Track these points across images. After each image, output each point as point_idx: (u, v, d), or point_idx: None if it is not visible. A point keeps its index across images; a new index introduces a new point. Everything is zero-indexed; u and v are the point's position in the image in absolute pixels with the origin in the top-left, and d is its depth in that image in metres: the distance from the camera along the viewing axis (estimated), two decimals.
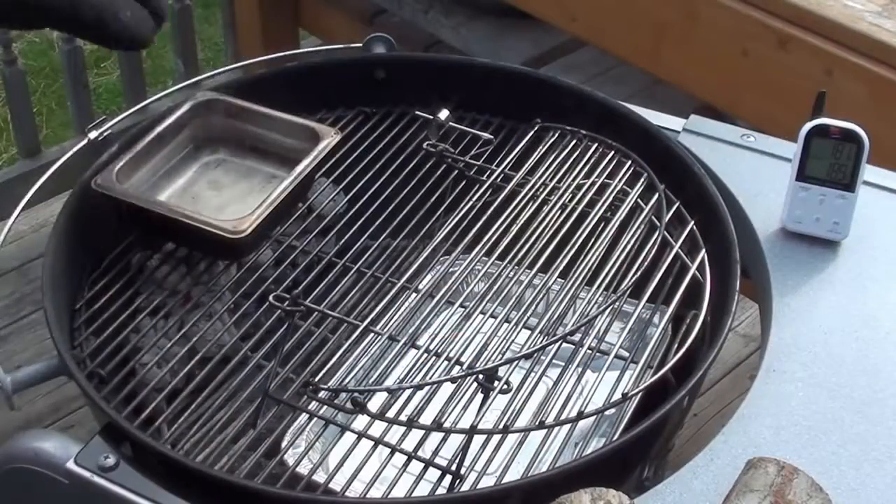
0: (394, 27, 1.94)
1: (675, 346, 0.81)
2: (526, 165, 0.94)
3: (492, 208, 0.89)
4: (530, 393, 0.78)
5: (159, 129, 0.89)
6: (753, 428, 0.76)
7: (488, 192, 0.93)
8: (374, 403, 0.75)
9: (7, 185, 1.71)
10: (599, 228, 0.87)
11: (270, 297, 0.79)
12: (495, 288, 0.84)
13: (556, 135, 0.97)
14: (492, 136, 0.99)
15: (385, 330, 0.80)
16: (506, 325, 0.80)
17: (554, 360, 0.82)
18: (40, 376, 0.83)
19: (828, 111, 0.90)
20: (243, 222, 0.79)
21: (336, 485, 0.77)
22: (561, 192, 0.91)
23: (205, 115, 0.89)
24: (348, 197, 1.00)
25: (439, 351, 0.77)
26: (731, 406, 1.29)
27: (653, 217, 0.89)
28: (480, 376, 0.74)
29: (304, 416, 0.83)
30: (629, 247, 0.86)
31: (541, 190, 0.92)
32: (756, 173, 0.97)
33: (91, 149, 0.93)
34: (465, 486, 0.76)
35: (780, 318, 0.84)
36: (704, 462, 0.73)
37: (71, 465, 0.71)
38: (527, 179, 0.93)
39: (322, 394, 0.77)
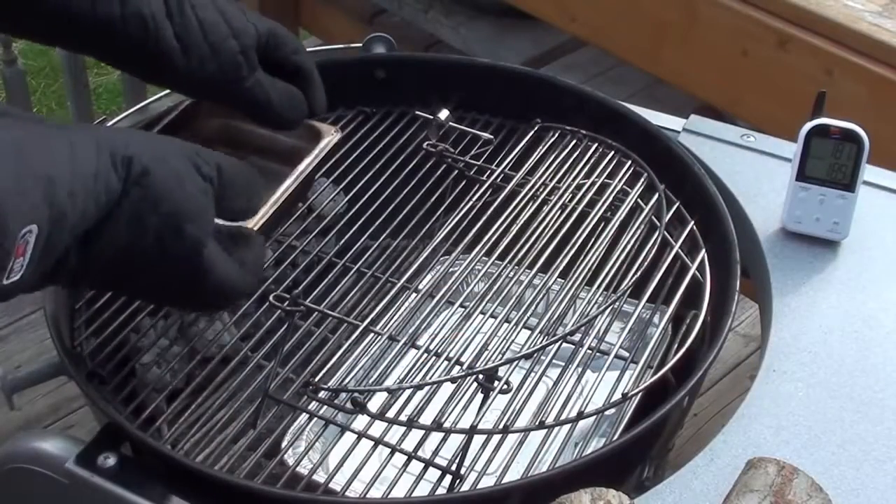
0: (394, 27, 1.95)
1: (675, 346, 0.82)
2: (526, 165, 0.94)
3: (492, 208, 0.89)
4: (530, 393, 0.78)
5: (158, 128, 0.89)
6: (753, 428, 0.76)
7: (488, 192, 0.93)
8: (374, 403, 0.75)
9: None
10: (599, 228, 0.87)
11: (270, 297, 0.79)
12: (495, 288, 0.84)
13: (556, 135, 0.97)
14: (492, 136, 0.99)
15: (385, 330, 0.80)
16: (506, 325, 0.80)
17: (554, 360, 0.82)
18: (40, 376, 0.83)
19: (828, 111, 0.90)
20: (248, 222, 0.79)
21: (336, 485, 0.77)
22: (561, 192, 0.91)
23: (204, 115, 0.89)
24: (348, 197, 1.00)
25: (439, 351, 0.77)
26: (731, 406, 1.29)
27: (653, 217, 0.89)
28: (480, 376, 0.74)
29: (304, 416, 0.83)
30: (629, 247, 0.86)
31: (541, 190, 0.92)
32: (756, 173, 0.97)
33: None
34: (465, 486, 0.76)
35: (780, 318, 0.84)
36: (704, 462, 0.73)
37: (71, 465, 0.71)
38: (527, 179, 0.92)
39: (322, 394, 0.77)
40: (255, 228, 0.75)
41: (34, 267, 0.58)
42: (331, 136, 0.86)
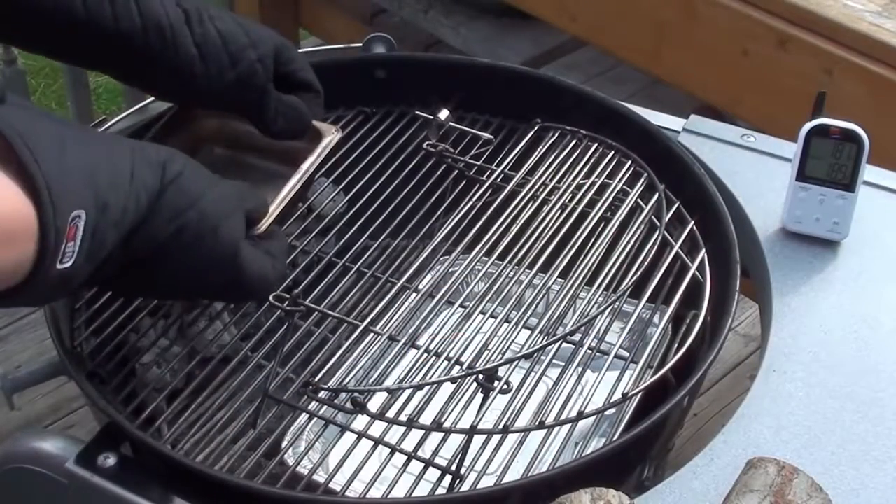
0: (394, 27, 1.95)
1: (675, 346, 0.81)
2: (526, 165, 0.94)
3: (492, 208, 0.89)
4: (530, 393, 0.78)
5: (155, 129, 0.89)
6: (753, 428, 0.76)
7: (488, 192, 0.93)
8: (374, 403, 0.75)
9: None
10: (599, 228, 0.87)
11: (270, 297, 0.79)
12: (495, 288, 0.84)
13: (556, 135, 0.97)
14: (492, 136, 0.99)
15: (385, 330, 0.80)
16: (506, 325, 0.80)
17: (554, 360, 0.82)
18: (40, 376, 0.83)
19: (828, 111, 0.90)
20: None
21: (336, 485, 0.77)
22: (561, 192, 0.91)
23: (201, 115, 0.89)
24: (348, 197, 1.00)
25: (439, 351, 0.77)
26: (731, 406, 1.29)
27: (653, 217, 0.89)
28: (480, 376, 0.74)
29: (304, 416, 0.83)
30: (629, 247, 0.86)
31: (541, 190, 0.92)
32: (756, 173, 0.97)
33: None
34: (465, 486, 0.76)
35: (780, 318, 0.84)
36: (704, 462, 0.73)
37: (71, 465, 0.71)
38: (527, 179, 0.92)
39: (322, 394, 0.77)
40: (266, 226, 0.75)
41: (84, 258, 0.59)
42: (332, 136, 0.86)
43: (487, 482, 0.75)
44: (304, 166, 0.82)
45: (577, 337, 0.82)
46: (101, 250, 0.60)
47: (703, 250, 0.88)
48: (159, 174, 0.64)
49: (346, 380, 0.79)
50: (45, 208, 0.55)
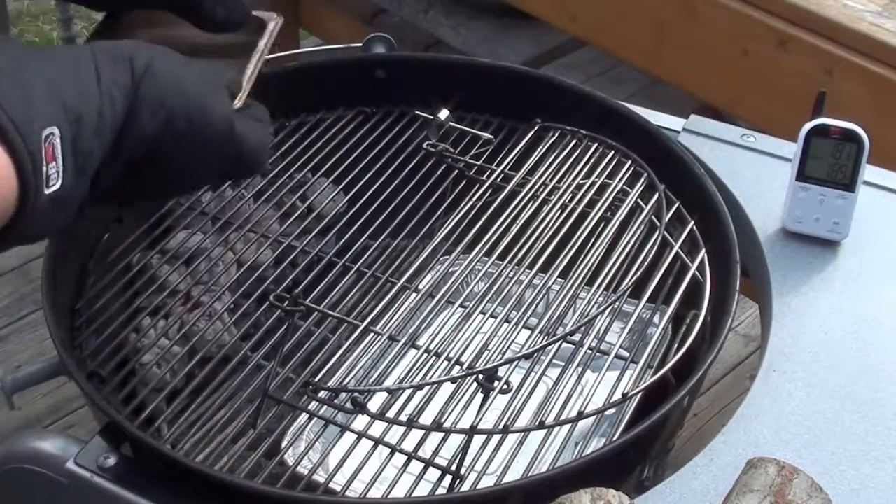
0: (394, 27, 1.95)
1: (675, 346, 0.81)
2: (526, 165, 0.94)
3: (492, 208, 0.89)
4: (530, 393, 0.78)
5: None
6: (753, 428, 0.76)
7: (488, 192, 0.93)
8: (374, 403, 0.75)
9: None
10: (599, 228, 0.87)
11: (270, 297, 0.79)
12: (495, 288, 0.84)
13: (556, 135, 0.97)
14: (492, 136, 0.99)
15: (385, 330, 0.80)
16: (506, 325, 0.80)
17: (554, 360, 0.82)
18: (40, 376, 0.83)
19: (828, 111, 0.90)
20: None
21: (336, 485, 0.77)
22: (561, 192, 0.91)
23: (125, 29, 0.86)
24: (348, 197, 1.00)
25: (439, 351, 0.77)
26: (731, 406, 1.29)
27: (653, 217, 0.89)
28: (480, 376, 0.74)
29: (304, 416, 0.83)
30: (629, 247, 0.86)
31: (541, 190, 0.92)
32: (756, 173, 0.97)
33: None
34: (465, 486, 0.76)
35: (780, 318, 0.84)
36: (704, 462, 0.73)
37: (71, 465, 0.71)
38: (527, 179, 0.92)
39: (322, 394, 0.77)
40: (241, 102, 0.74)
41: (73, 175, 0.57)
42: (277, 20, 0.83)
43: (487, 482, 0.75)
44: (261, 45, 0.80)
45: (577, 337, 0.82)
46: (88, 163, 0.58)
47: (703, 250, 0.88)
48: (128, 70, 0.62)
49: (346, 380, 0.79)
50: (11, 138, 0.53)
